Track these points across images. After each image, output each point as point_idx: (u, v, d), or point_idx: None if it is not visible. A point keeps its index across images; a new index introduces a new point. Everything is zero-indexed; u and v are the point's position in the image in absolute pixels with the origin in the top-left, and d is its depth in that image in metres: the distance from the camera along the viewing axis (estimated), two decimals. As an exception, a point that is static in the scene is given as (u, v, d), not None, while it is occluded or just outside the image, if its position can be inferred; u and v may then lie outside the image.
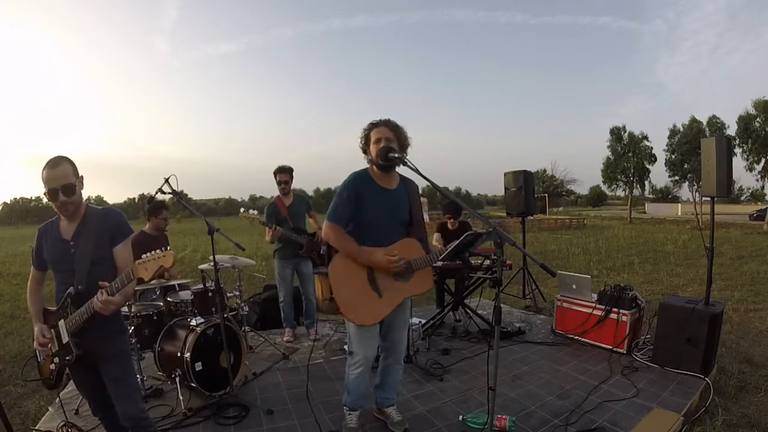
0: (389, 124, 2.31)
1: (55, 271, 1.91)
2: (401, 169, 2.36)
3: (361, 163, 2.43)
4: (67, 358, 1.84)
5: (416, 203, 2.48)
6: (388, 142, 2.25)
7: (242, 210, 3.98)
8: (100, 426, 2.26)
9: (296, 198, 4.18)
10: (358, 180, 2.31)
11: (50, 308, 1.95)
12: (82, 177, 1.87)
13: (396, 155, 2.18)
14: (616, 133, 26.69)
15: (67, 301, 1.83)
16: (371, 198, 2.29)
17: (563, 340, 4.05)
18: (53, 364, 1.90)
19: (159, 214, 3.64)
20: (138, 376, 2.74)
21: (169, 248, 1.64)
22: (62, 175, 1.78)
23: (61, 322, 1.84)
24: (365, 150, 2.37)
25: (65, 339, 1.83)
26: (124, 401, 1.90)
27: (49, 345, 1.89)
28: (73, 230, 1.86)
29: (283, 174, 4.09)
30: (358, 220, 2.28)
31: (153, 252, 1.67)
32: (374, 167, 2.34)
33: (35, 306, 1.98)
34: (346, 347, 3.71)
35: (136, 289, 2.34)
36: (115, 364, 1.92)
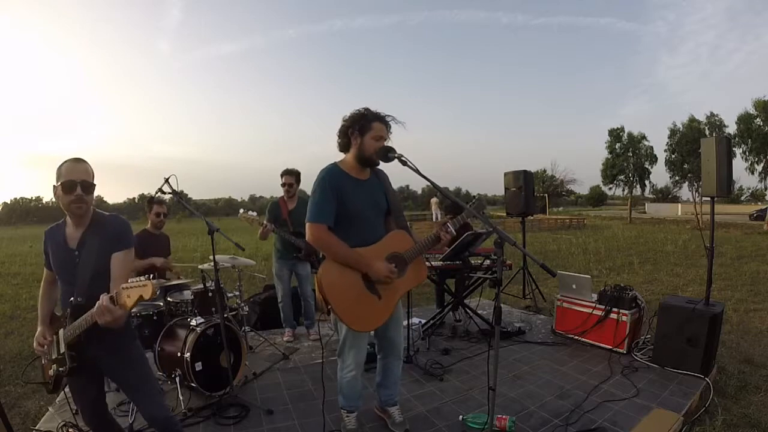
0: (388, 125, 2.26)
1: (59, 278, 1.88)
2: (394, 169, 2.31)
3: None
4: (60, 369, 1.79)
5: (390, 190, 2.40)
6: (386, 142, 2.21)
7: (242, 211, 3.97)
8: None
9: (300, 202, 4.12)
10: (333, 175, 2.20)
11: (57, 313, 1.91)
12: (95, 185, 1.83)
13: (395, 155, 2.13)
14: (615, 134, 26.70)
15: (67, 311, 1.78)
16: (352, 191, 2.20)
17: (563, 340, 4.05)
18: (52, 370, 1.86)
19: (151, 209, 3.67)
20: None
21: (152, 276, 1.53)
22: (84, 171, 1.77)
23: (61, 331, 1.80)
24: (351, 134, 2.20)
25: (62, 349, 1.78)
26: (149, 406, 1.88)
27: (47, 349, 1.85)
28: (78, 238, 1.80)
29: (289, 176, 4.07)
30: (340, 216, 2.17)
31: (138, 278, 1.52)
32: (351, 158, 2.24)
33: (44, 308, 1.95)
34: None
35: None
36: (132, 373, 1.88)
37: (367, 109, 2.25)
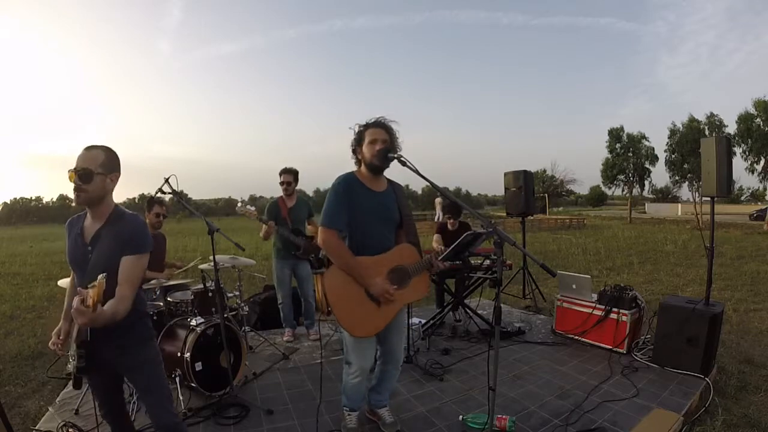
0: (384, 126, 2.28)
1: (73, 271, 1.83)
2: (394, 170, 2.35)
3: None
4: (71, 365, 1.74)
5: (405, 205, 2.45)
6: (384, 143, 2.22)
7: (240, 204, 3.92)
8: (101, 426, 2.26)
9: (299, 201, 4.19)
10: (347, 182, 2.25)
11: None
12: (116, 175, 1.74)
13: (394, 156, 2.14)
14: (615, 134, 26.72)
15: None
16: (363, 201, 2.25)
17: (563, 340, 4.05)
18: (71, 366, 1.80)
19: (151, 209, 3.65)
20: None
21: (105, 275, 1.42)
22: (85, 158, 1.68)
23: (75, 329, 1.75)
24: (355, 150, 2.33)
25: (74, 347, 1.72)
26: (157, 410, 1.84)
27: (63, 345, 1.82)
28: (93, 232, 1.73)
29: (287, 175, 4.10)
30: (350, 222, 2.23)
31: (99, 276, 1.44)
32: (364, 169, 2.31)
33: (68, 303, 1.89)
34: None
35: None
36: (143, 375, 1.83)
37: (359, 125, 2.33)
